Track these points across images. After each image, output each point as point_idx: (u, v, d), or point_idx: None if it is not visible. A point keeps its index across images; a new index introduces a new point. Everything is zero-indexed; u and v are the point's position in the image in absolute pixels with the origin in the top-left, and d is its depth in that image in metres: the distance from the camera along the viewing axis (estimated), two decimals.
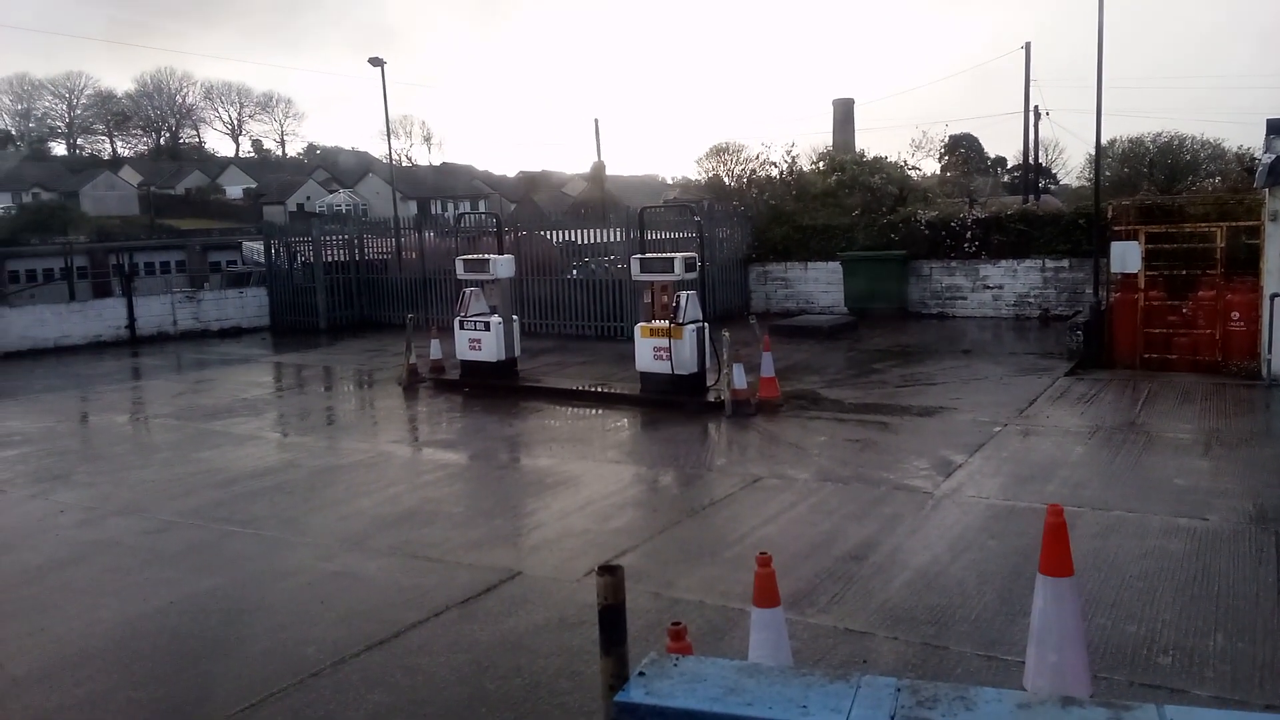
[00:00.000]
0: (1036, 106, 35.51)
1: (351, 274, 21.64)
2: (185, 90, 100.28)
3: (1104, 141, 18.69)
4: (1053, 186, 49.01)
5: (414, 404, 12.43)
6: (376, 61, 29.88)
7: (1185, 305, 13.03)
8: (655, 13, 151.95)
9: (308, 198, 79.66)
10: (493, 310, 12.96)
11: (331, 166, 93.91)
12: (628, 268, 13.42)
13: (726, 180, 28.93)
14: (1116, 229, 13.75)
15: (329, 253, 21.72)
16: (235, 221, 68.47)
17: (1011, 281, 18.40)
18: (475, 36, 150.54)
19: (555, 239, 19.82)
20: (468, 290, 13.02)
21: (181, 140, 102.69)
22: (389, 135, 32.17)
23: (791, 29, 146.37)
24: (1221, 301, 12.44)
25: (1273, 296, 11.16)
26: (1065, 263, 17.77)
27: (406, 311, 16.63)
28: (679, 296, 11.13)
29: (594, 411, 11.47)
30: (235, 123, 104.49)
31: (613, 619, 2.58)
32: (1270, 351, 11.23)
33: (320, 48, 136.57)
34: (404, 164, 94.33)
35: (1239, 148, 25.16)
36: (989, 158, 59.58)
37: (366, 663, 4.86)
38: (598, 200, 42.95)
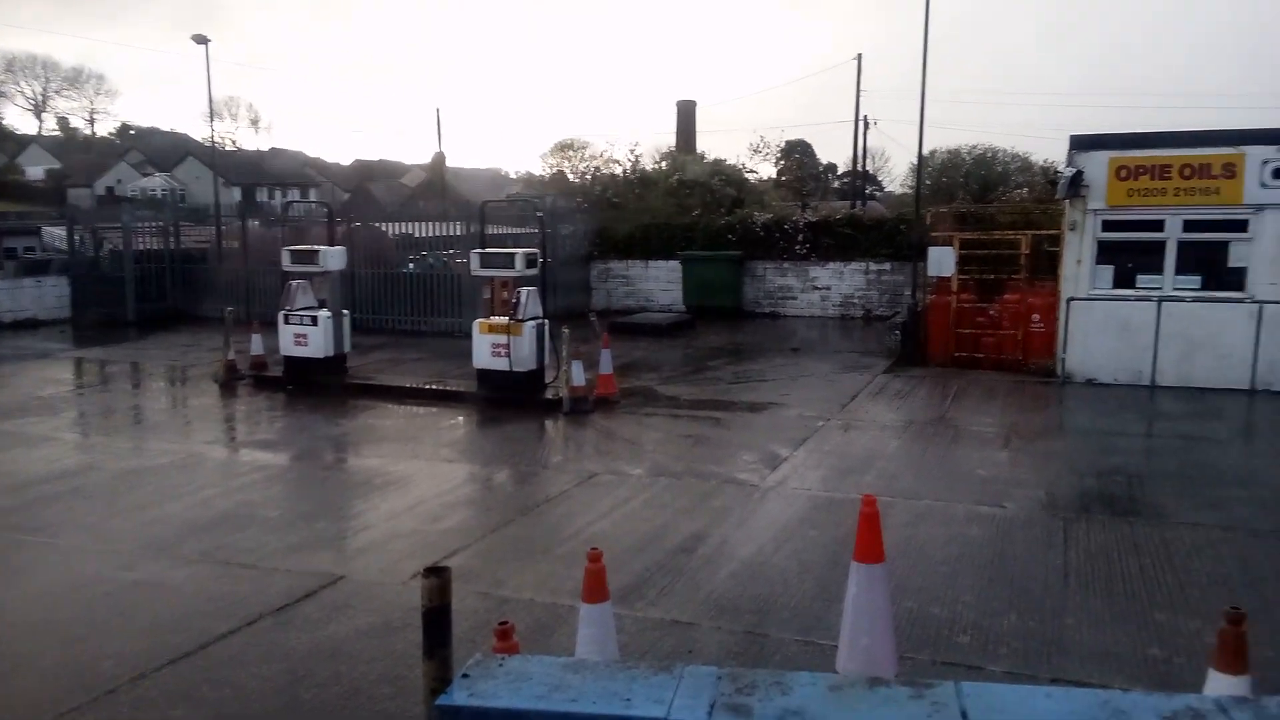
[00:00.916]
0: (866, 116, 37.35)
1: (166, 264, 20.25)
2: None
3: (926, 151, 19.86)
4: (879, 193, 51.66)
5: (232, 402, 11.76)
6: (201, 39, 28.26)
7: (992, 307, 13.99)
8: (502, 5, 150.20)
9: (119, 181, 73.91)
10: (321, 304, 12.44)
11: (147, 148, 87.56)
12: (467, 262, 13.18)
13: (571, 177, 28.89)
14: (934, 235, 14.62)
15: (141, 240, 20.25)
16: (35, 204, 62.81)
17: (838, 283, 19.26)
18: (309, 17, 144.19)
19: (391, 231, 19.26)
20: (294, 283, 12.45)
21: None
22: (211, 117, 30.48)
23: (638, 30, 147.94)
24: (1024, 304, 13.41)
25: (1068, 300, 12.16)
26: (888, 266, 18.76)
27: (227, 305, 15.72)
28: (519, 293, 11.02)
29: (428, 410, 11.19)
30: (39, 98, 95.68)
31: (437, 621, 2.52)
32: (1065, 351, 12.23)
33: (138, 22, 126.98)
34: (228, 148, 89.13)
35: (1045, 161, 27.23)
36: (821, 164, 62.17)
37: (170, 676, 4.55)
38: (438, 192, 42.02)
